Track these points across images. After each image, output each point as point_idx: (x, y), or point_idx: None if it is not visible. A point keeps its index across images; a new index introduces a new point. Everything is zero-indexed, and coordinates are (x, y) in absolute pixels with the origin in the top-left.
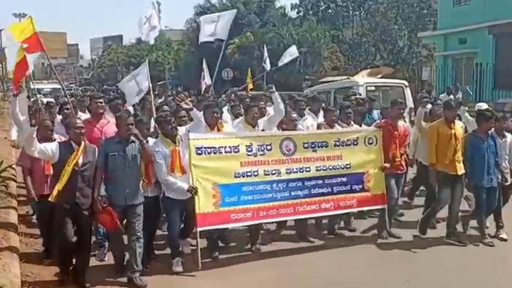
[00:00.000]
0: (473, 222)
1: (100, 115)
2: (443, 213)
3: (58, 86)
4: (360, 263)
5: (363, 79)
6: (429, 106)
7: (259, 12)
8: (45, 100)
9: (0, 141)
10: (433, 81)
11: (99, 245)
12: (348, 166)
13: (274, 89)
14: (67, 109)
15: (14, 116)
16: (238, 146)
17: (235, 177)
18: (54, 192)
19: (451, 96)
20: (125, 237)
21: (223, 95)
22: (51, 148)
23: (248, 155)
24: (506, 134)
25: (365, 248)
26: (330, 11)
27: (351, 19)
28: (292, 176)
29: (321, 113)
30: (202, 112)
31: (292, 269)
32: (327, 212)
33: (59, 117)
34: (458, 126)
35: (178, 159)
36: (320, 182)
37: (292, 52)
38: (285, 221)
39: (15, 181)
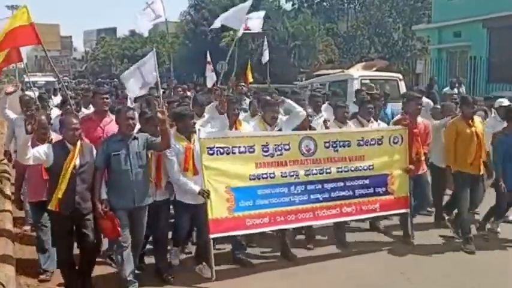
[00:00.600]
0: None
1: (105, 112)
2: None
3: (52, 79)
4: (372, 271)
5: (357, 72)
6: (425, 100)
7: (254, 4)
8: (37, 93)
9: None
10: (428, 74)
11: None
12: (371, 167)
13: (283, 98)
14: (69, 105)
15: (2, 114)
16: (254, 145)
17: (250, 179)
18: (55, 202)
19: (455, 90)
20: None
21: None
22: (43, 150)
23: (264, 155)
24: None
25: (378, 256)
26: (324, 3)
27: (345, 12)
28: (312, 178)
29: (323, 108)
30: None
31: (302, 278)
32: (349, 217)
33: (56, 110)
34: (478, 123)
35: (192, 159)
36: (341, 184)
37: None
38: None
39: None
